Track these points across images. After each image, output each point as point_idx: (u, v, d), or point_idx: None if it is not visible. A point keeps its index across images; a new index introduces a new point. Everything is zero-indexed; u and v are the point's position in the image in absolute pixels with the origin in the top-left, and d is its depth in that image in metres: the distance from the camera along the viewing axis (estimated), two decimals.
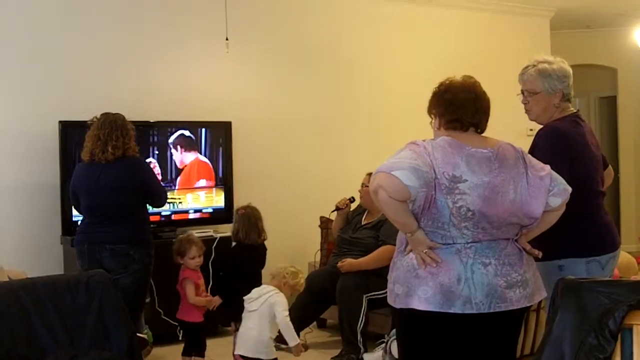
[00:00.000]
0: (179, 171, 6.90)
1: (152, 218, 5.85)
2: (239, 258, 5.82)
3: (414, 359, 3.34)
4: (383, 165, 3.06)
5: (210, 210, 7.08)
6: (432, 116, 3.37)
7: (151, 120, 6.71)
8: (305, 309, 6.30)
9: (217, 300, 5.55)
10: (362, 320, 6.00)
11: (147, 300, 6.28)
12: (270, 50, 7.77)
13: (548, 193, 3.22)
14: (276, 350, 5.04)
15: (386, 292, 4.22)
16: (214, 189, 7.07)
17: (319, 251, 7.26)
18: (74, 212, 5.99)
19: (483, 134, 3.32)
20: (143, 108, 6.77)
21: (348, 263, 6.24)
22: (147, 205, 5.51)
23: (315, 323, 6.84)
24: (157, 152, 6.81)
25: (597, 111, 11.78)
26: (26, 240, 6.47)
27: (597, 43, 11.04)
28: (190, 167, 6.96)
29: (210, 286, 5.83)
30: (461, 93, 3.28)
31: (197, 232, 6.40)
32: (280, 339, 5.17)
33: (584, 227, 3.78)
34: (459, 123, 3.25)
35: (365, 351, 5.98)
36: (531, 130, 8.74)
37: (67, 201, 6.18)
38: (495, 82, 8.43)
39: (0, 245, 6.16)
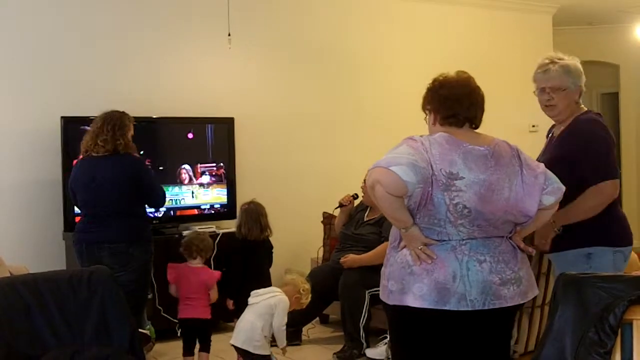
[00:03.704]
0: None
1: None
2: (242, 253, 5.85)
3: (407, 355, 3.32)
4: (381, 160, 3.03)
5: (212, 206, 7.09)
6: (427, 112, 3.36)
7: (154, 116, 6.71)
8: (307, 305, 6.30)
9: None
10: (364, 316, 6.01)
11: (150, 296, 6.29)
12: (273, 46, 7.77)
13: (542, 191, 3.20)
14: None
15: None
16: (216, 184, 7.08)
17: (322, 247, 7.26)
18: (76, 208, 5.99)
19: (479, 131, 3.30)
20: (145, 104, 6.77)
21: (351, 259, 6.25)
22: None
23: (317, 319, 6.85)
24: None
25: (599, 108, 11.74)
26: (28, 236, 6.47)
27: (600, 39, 11.02)
28: None
29: None
30: (456, 88, 3.27)
31: (199, 228, 6.43)
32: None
33: (611, 216, 3.87)
34: (455, 119, 3.24)
35: (368, 347, 5.99)
36: (533, 126, 8.87)
37: (68, 197, 6.19)
38: (498, 78, 8.54)
39: (2, 241, 6.15)
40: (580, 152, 3.82)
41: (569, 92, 3.95)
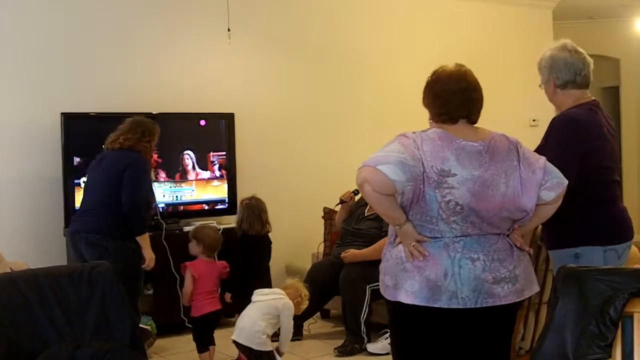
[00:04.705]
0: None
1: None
2: (243, 249, 5.86)
3: (404, 350, 3.32)
4: (369, 159, 3.01)
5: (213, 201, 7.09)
6: (425, 107, 3.33)
7: (154, 112, 6.70)
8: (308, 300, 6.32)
9: None
10: (365, 311, 6.02)
11: (150, 292, 6.27)
12: (273, 41, 7.76)
13: (540, 187, 3.15)
14: None
15: None
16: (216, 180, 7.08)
17: (322, 242, 7.27)
18: (77, 204, 5.99)
19: (477, 124, 3.25)
20: (145, 100, 6.79)
21: (351, 254, 6.26)
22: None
23: (318, 314, 6.86)
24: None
25: (599, 102, 11.73)
26: (28, 233, 6.47)
27: (600, 33, 11.00)
28: None
29: None
30: (449, 84, 3.21)
31: (200, 223, 6.42)
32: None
33: (602, 215, 3.79)
34: (448, 116, 3.20)
35: (369, 341, 6.00)
36: (534, 120, 8.87)
37: (69, 193, 6.21)
38: (498, 72, 8.53)
39: (2, 237, 6.15)
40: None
41: (545, 86, 3.98)
